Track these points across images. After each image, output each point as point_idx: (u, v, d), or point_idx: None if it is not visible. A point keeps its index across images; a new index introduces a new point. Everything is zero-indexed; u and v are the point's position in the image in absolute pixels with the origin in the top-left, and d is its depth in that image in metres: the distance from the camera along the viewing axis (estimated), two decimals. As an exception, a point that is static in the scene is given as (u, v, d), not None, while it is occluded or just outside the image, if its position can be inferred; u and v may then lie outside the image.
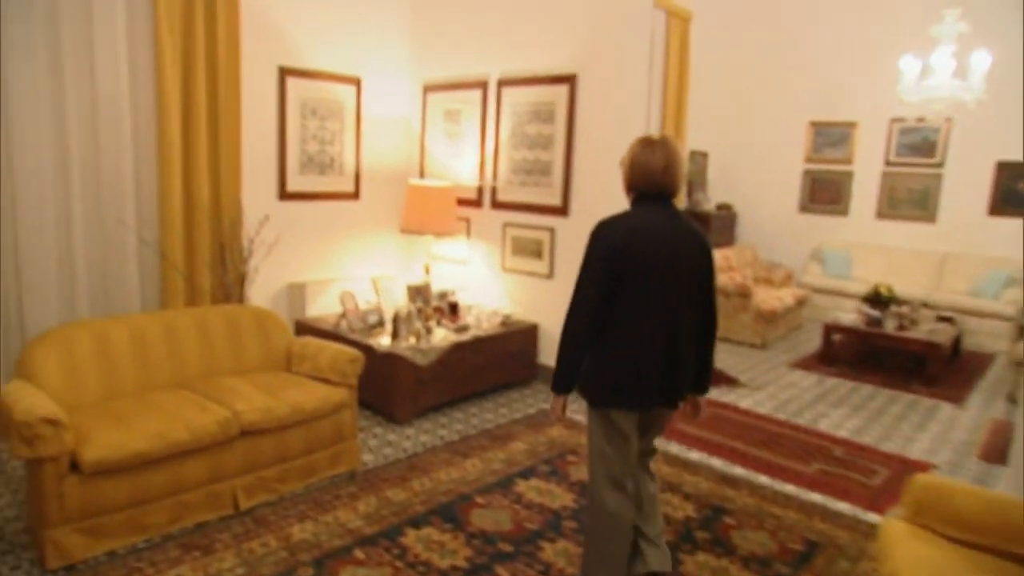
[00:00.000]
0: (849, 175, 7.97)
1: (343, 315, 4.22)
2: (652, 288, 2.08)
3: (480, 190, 5.02)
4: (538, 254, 4.69)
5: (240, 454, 2.88)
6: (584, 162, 4.43)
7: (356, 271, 5.32)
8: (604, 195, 4.33)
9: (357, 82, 5.06)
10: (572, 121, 4.42)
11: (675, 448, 3.81)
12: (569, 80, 4.40)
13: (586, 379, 2.17)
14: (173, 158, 3.85)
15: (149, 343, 3.13)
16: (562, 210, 4.54)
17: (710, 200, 8.36)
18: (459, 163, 5.16)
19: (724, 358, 5.72)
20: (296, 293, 4.87)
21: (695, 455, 3.74)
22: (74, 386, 2.85)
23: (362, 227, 5.32)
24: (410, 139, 5.49)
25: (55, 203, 3.59)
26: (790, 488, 3.39)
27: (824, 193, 8.19)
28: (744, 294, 6.20)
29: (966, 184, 7.22)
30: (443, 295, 4.64)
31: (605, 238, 2.09)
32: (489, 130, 4.93)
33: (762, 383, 5.16)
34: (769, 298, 6.37)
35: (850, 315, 5.91)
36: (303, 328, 4.44)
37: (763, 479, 3.48)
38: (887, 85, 6.94)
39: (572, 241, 4.54)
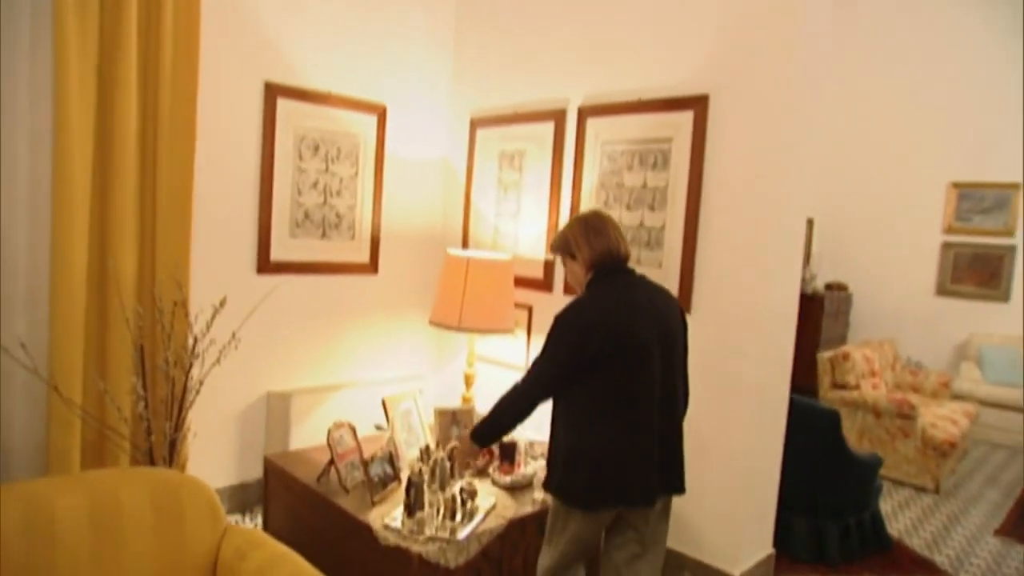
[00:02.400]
0: (1010, 249, 6.21)
1: (330, 464, 2.64)
2: (651, 368, 1.93)
3: (549, 266, 3.46)
4: (639, 367, 3.07)
5: None
6: (717, 228, 2.85)
7: (368, 373, 3.76)
8: (749, 276, 2.73)
9: (380, 111, 3.62)
10: (699, 165, 2.86)
11: None
12: (696, 104, 2.86)
13: (569, 478, 1.96)
14: (74, 218, 2.41)
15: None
16: (680, 301, 2.93)
17: (815, 277, 6.66)
18: (519, 226, 3.63)
19: (885, 509, 3.93)
20: (277, 408, 3.32)
21: None
22: None
23: (379, 313, 3.79)
24: (450, 191, 4.00)
25: None
26: None
27: (973, 272, 6.42)
28: (906, 414, 4.43)
29: None
30: None
31: (587, 325, 1.91)
32: (566, 180, 3.40)
33: (969, 566, 3.35)
34: (939, 419, 4.58)
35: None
36: (273, 474, 2.86)
37: None
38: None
39: (696, 348, 2.92)
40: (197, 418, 2.94)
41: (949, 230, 6.53)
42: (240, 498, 3.32)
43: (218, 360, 2.60)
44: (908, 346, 6.53)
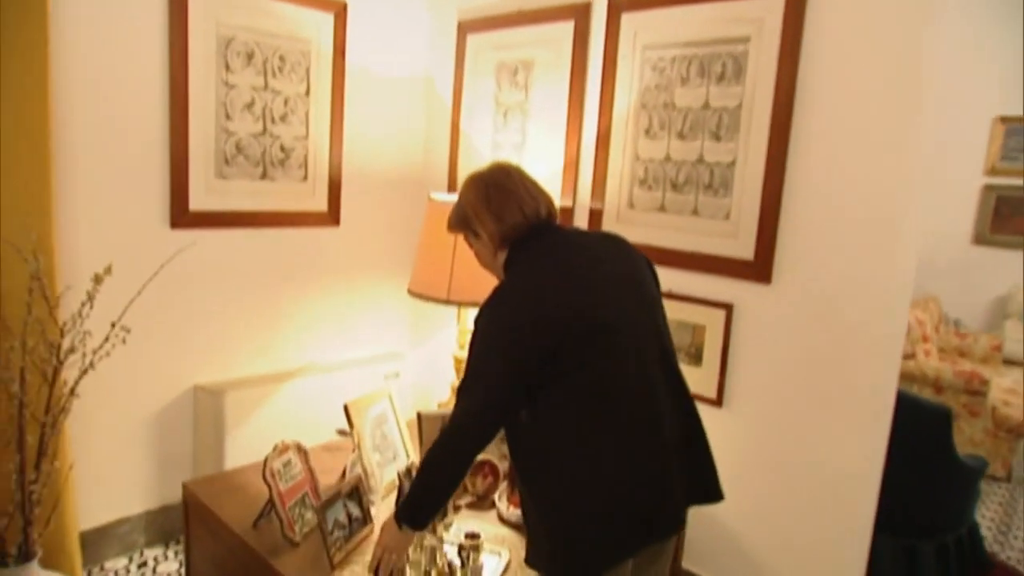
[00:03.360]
0: (1062, 193, 5.50)
1: (268, 505, 1.84)
2: (634, 348, 1.38)
3: (566, 214, 2.61)
4: (696, 356, 2.28)
5: None
6: (813, 166, 2.03)
7: (328, 356, 2.94)
8: (858, 232, 1.94)
9: (338, 7, 2.69)
10: (790, 76, 2.01)
11: None
12: (789, -14, 1.99)
13: (564, 543, 1.33)
14: None
15: None
16: (756, 268, 2.13)
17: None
18: (525, 163, 2.76)
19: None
20: (207, 407, 2.50)
21: None
22: None
23: (342, 277, 2.94)
24: (434, 118, 3.10)
25: None
26: None
27: (1018, 219, 5.70)
28: (976, 390, 3.75)
29: None
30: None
31: (528, 318, 1.32)
32: (590, 100, 2.53)
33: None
34: (1007, 394, 3.91)
35: None
36: (194, 511, 2.05)
37: None
38: None
39: (761, 330, 2.15)
40: (95, 425, 2.13)
41: (992, 171, 5.77)
42: (161, 525, 2.52)
43: (91, 365, 1.75)
44: (941, 303, 5.85)
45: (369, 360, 2.99)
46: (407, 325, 3.25)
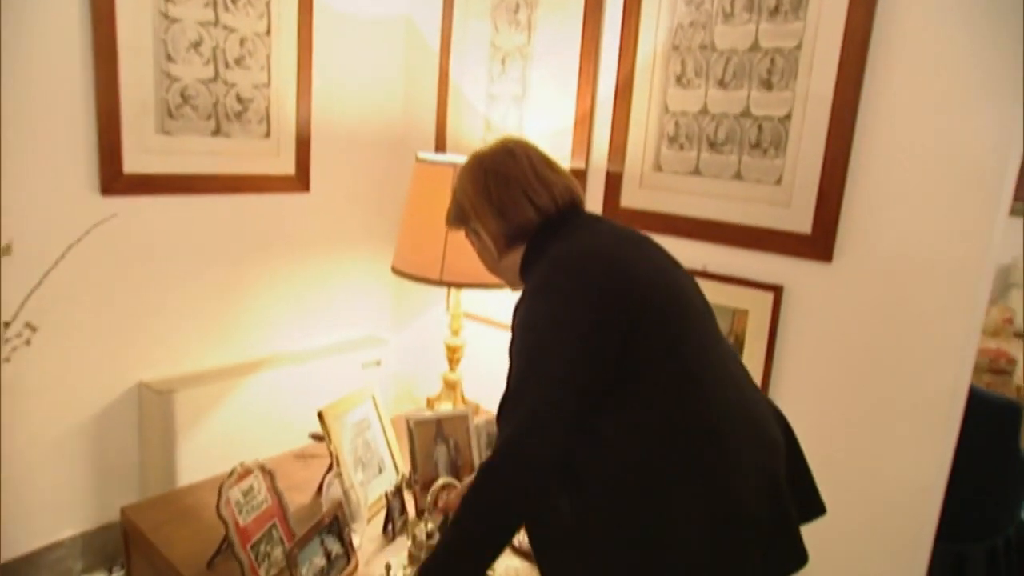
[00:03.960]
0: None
1: (225, 540, 1.47)
2: (707, 328, 1.07)
3: (579, 177, 2.21)
4: (735, 346, 1.93)
5: None
6: (891, 122, 1.67)
7: (298, 344, 2.55)
8: (939, 204, 1.60)
9: (301, -76, 2.23)
10: (865, 11, 1.63)
11: None
12: None
13: None
14: None
15: None
16: (813, 243, 1.78)
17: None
18: (527, 118, 2.36)
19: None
20: (154, 407, 2.10)
21: None
22: None
23: (313, 251, 2.53)
24: (417, 66, 2.67)
25: None
26: None
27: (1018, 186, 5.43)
28: (1002, 369, 3.50)
29: None
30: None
31: (593, 277, 1.00)
32: (608, 42, 2.13)
33: None
34: (1031, 372, 3.67)
35: None
36: (135, 542, 1.67)
37: None
38: None
39: (817, 316, 1.81)
40: (16, 433, 1.75)
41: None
42: (102, 547, 2.14)
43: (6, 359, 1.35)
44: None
45: (345, 347, 2.61)
46: (388, 306, 2.87)
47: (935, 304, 1.67)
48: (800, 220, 1.79)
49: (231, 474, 1.49)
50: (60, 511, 2.04)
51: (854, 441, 1.81)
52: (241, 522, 1.46)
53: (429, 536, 1.54)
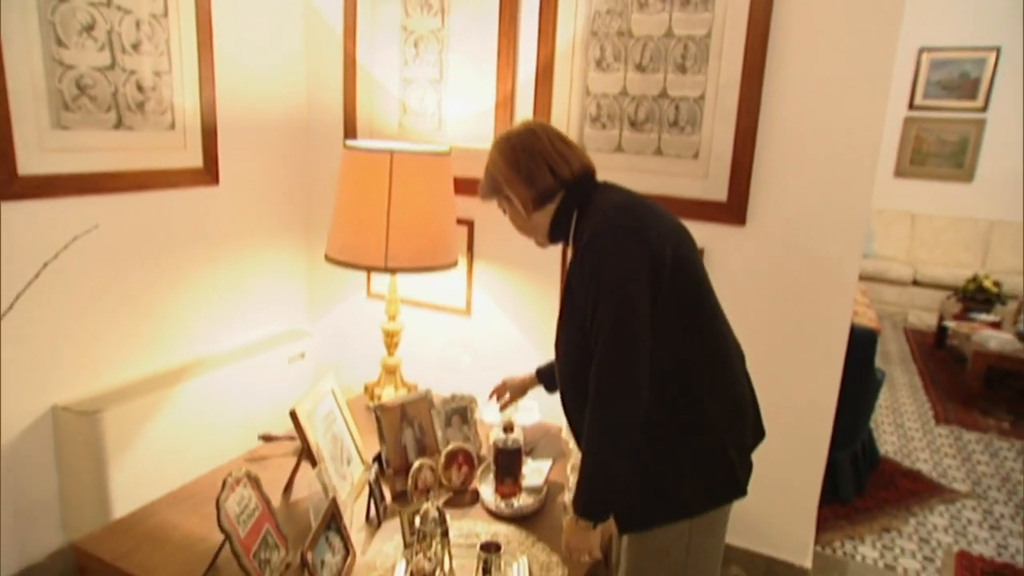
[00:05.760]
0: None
1: (218, 552, 1.41)
2: (708, 288, 1.35)
3: (502, 161, 2.30)
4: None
5: None
6: (791, 97, 1.93)
7: (221, 345, 2.43)
8: (839, 169, 1.91)
9: None
10: (767, 9, 1.87)
11: None
12: (763, -102, 1.82)
13: (672, 476, 1.30)
14: None
15: None
16: (729, 209, 2.02)
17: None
18: (446, 102, 2.39)
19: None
20: (75, 432, 1.92)
21: None
22: None
23: (226, 246, 2.40)
24: (319, 50, 2.58)
25: None
26: None
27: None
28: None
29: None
30: (508, 426, 1.82)
31: (643, 226, 1.25)
32: (526, 26, 2.22)
33: (949, 470, 3.11)
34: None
35: (999, 337, 4.02)
36: None
37: None
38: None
39: (734, 273, 2.08)
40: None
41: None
42: (28, 592, 1.94)
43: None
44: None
45: (267, 343, 2.51)
46: (303, 298, 2.78)
47: (828, 253, 1.98)
48: (716, 189, 2.02)
49: (223, 486, 1.43)
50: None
51: (769, 374, 2.09)
52: (242, 533, 1.42)
53: (420, 516, 1.55)
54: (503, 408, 1.96)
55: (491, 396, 1.94)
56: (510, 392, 1.90)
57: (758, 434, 1.46)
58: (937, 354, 4.89)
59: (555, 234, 1.40)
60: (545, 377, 1.81)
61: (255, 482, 1.55)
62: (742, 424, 1.37)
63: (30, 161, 1.76)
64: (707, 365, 1.31)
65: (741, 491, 1.35)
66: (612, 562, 1.69)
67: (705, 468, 1.31)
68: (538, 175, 1.34)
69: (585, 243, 1.26)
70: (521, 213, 1.39)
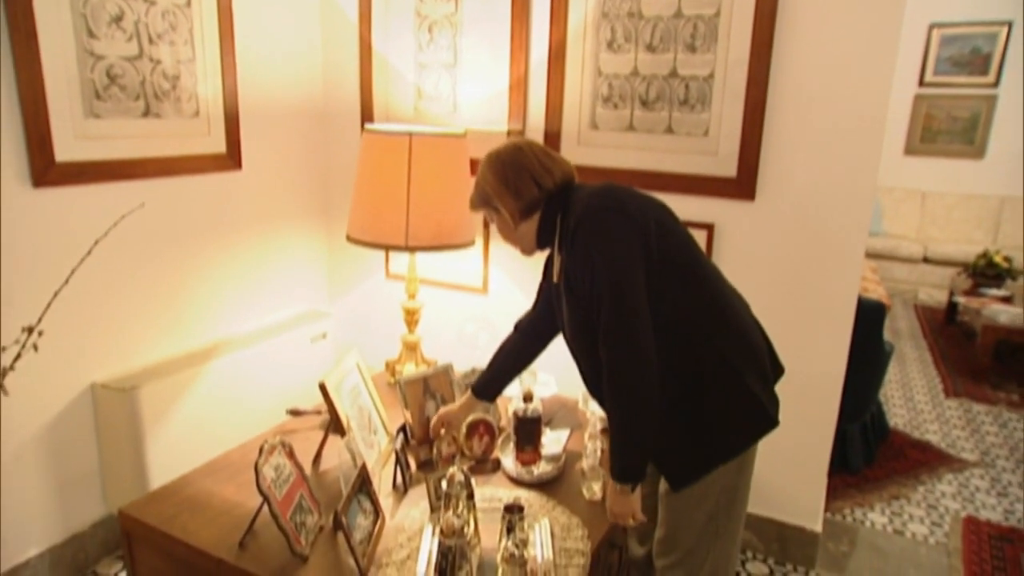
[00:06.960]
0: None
1: (255, 517, 1.50)
2: (697, 248, 1.47)
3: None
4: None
5: None
6: (799, 74, 1.97)
7: (246, 325, 2.51)
8: (835, 144, 1.95)
9: None
10: (771, -20, 1.91)
11: None
12: None
13: (711, 424, 1.40)
14: None
15: None
16: (739, 185, 2.07)
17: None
18: (460, 85, 2.45)
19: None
20: (113, 408, 2.01)
21: None
22: None
23: (250, 230, 2.48)
24: (335, 37, 2.64)
25: None
26: None
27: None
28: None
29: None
30: (526, 400, 1.92)
31: (626, 200, 1.38)
32: (539, 8, 2.27)
33: (957, 439, 3.17)
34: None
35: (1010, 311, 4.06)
36: (141, 543, 1.64)
37: None
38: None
39: (744, 248, 2.13)
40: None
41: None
42: (72, 559, 2.04)
43: None
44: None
45: (290, 324, 2.59)
46: (324, 279, 2.86)
47: (835, 226, 2.03)
48: (726, 166, 2.07)
49: (260, 452, 1.51)
50: (22, 529, 1.91)
51: (779, 345, 2.12)
52: (279, 497, 1.50)
53: (447, 480, 1.63)
54: (439, 440, 1.89)
55: (433, 436, 1.86)
56: (452, 420, 1.84)
57: (776, 368, 1.55)
58: (947, 330, 4.93)
59: (544, 240, 1.50)
60: (482, 393, 1.81)
61: (289, 450, 1.63)
62: (757, 358, 1.46)
63: (66, 149, 1.83)
64: (711, 311, 1.40)
65: (773, 422, 1.44)
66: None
67: (734, 406, 1.41)
68: (524, 188, 1.45)
69: (573, 231, 1.36)
70: (509, 223, 1.50)
